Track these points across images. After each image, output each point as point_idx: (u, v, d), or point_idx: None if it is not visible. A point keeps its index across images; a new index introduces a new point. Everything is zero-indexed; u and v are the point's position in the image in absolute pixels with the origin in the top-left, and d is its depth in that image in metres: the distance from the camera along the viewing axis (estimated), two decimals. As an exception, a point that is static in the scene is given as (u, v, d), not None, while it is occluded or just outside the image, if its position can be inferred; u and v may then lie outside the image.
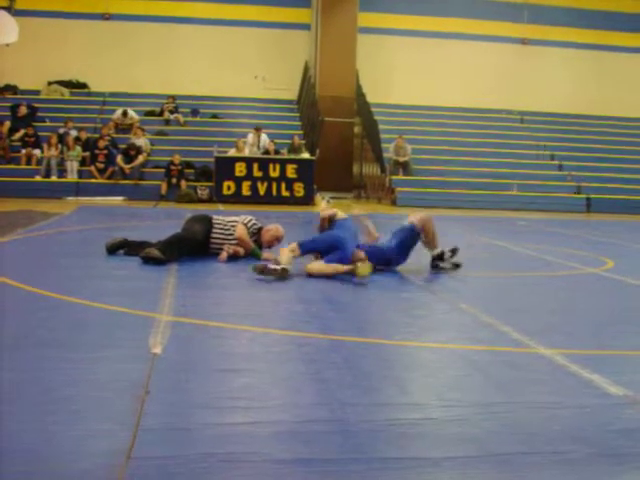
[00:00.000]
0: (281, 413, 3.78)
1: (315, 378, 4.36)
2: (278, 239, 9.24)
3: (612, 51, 28.99)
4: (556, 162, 25.54)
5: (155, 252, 8.37)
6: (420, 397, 4.14)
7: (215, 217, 9.23)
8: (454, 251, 8.68)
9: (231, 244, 8.94)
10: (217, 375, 4.38)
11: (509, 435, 3.57)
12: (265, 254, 8.99)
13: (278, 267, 7.65)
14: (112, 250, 8.86)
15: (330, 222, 8.60)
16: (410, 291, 7.72)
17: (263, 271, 7.62)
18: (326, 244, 8.23)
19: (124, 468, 3.02)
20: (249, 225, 9.09)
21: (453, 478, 3.11)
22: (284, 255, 7.93)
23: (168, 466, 3.06)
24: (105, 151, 21.25)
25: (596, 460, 3.34)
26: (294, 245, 8.13)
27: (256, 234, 9.17)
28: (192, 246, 8.83)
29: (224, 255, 8.79)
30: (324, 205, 9.46)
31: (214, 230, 9.02)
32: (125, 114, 23.65)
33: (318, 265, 8.10)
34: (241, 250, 8.97)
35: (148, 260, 8.36)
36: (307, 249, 8.25)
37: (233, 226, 9.05)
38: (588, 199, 23.50)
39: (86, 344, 4.95)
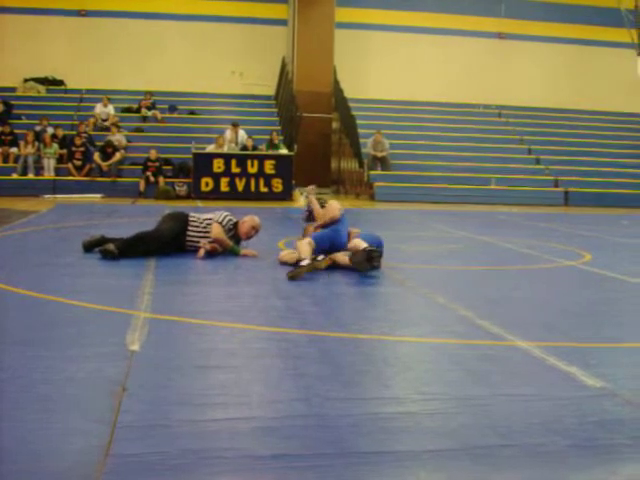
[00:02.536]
0: (260, 409, 3.78)
1: (294, 373, 4.36)
2: (255, 228, 9.24)
3: (589, 45, 29.14)
4: (534, 156, 25.67)
5: (110, 247, 8.42)
6: (399, 391, 4.14)
7: (192, 215, 9.20)
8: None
9: (208, 241, 8.92)
10: (196, 371, 4.37)
11: (487, 428, 3.58)
12: (244, 251, 8.99)
13: (304, 264, 7.67)
14: (89, 248, 8.82)
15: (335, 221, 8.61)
16: (388, 286, 7.74)
17: (298, 274, 7.59)
18: (333, 238, 8.36)
19: (102, 465, 3.01)
20: (224, 222, 9.05)
21: (432, 471, 3.12)
22: (304, 248, 7.98)
23: (147, 463, 3.05)
24: (82, 148, 21.15)
25: (574, 452, 3.36)
26: (310, 239, 8.20)
27: (233, 229, 9.15)
28: (161, 244, 8.80)
29: (202, 252, 8.77)
30: (302, 201, 9.50)
31: (190, 228, 8.99)
32: (106, 103, 23.62)
33: (288, 253, 8.36)
34: (219, 247, 8.96)
35: (105, 254, 8.39)
36: (320, 242, 8.25)
37: (209, 224, 9.01)
38: (566, 192, 23.64)
39: (64, 342, 4.92)
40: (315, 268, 7.80)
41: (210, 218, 9.09)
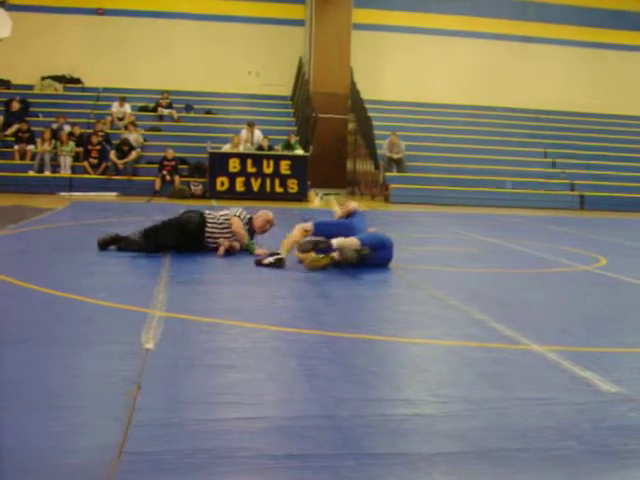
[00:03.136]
0: (273, 408, 3.78)
1: (307, 374, 4.36)
2: (270, 222, 9.45)
3: (610, 49, 29.00)
4: (550, 160, 25.57)
5: (135, 240, 8.63)
6: (412, 393, 4.14)
7: (207, 212, 9.28)
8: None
9: (225, 237, 9.03)
10: (209, 370, 4.38)
11: (501, 431, 3.57)
12: (258, 250, 9.02)
13: (272, 259, 8.20)
14: (104, 246, 8.86)
15: (350, 214, 8.99)
16: (402, 287, 7.73)
17: (260, 264, 8.25)
18: (341, 229, 8.51)
19: (116, 463, 3.01)
20: (241, 217, 9.18)
21: (445, 474, 3.11)
22: (290, 238, 8.50)
23: (160, 461, 3.06)
24: (98, 147, 21.21)
25: (589, 457, 3.34)
26: (309, 225, 8.59)
27: (248, 224, 9.28)
28: (182, 235, 8.92)
29: (222, 250, 8.88)
30: (318, 201, 9.72)
31: (207, 224, 9.06)
32: (122, 102, 23.74)
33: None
34: (237, 245, 9.11)
35: (128, 249, 8.60)
36: (321, 230, 8.55)
37: (227, 219, 9.13)
38: (582, 196, 23.53)
39: (78, 340, 4.94)
40: (317, 266, 8.19)
41: (226, 214, 9.21)
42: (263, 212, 9.45)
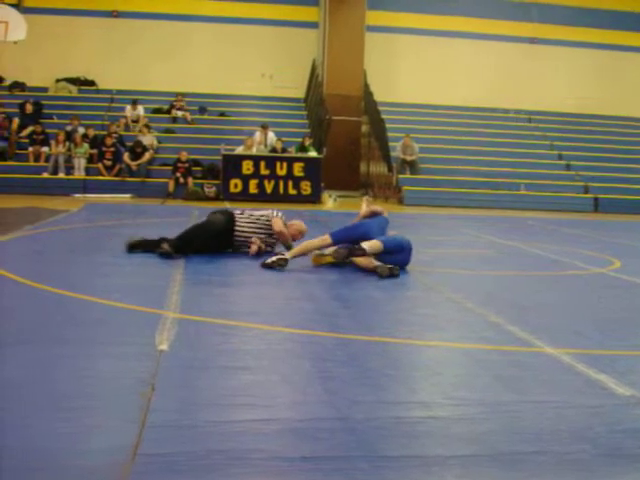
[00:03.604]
0: (287, 410, 3.78)
1: (321, 376, 4.36)
2: (302, 232, 9.39)
3: (621, 51, 28.91)
4: (564, 162, 25.49)
5: (165, 247, 8.54)
6: (427, 396, 4.13)
7: (238, 211, 9.31)
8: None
9: (259, 236, 9.10)
10: (223, 372, 4.38)
11: (515, 434, 3.56)
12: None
13: (274, 258, 8.22)
14: (132, 249, 8.83)
15: (372, 215, 8.99)
16: (417, 290, 7.72)
17: (264, 265, 8.24)
18: (358, 233, 8.49)
19: (130, 465, 3.02)
20: (283, 219, 9.26)
21: (458, 477, 3.10)
22: (306, 245, 8.56)
23: (173, 463, 3.06)
24: (112, 148, 21.28)
25: (603, 460, 3.33)
26: (326, 236, 8.53)
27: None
28: (211, 235, 8.96)
29: (254, 248, 8.98)
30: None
31: (238, 224, 9.07)
32: (135, 105, 23.81)
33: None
34: (262, 246, 9.12)
35: (162, 255, 8.52)
36: (338, 238, 8.52)
37: (267, 220, 9.18)
38: (596, 199, 23.45)
39: (92, 340, 4.95)
40: (321, 262, 8.53)
41: (266, 214, 9.27)
42: (298, 222, 9.43)
